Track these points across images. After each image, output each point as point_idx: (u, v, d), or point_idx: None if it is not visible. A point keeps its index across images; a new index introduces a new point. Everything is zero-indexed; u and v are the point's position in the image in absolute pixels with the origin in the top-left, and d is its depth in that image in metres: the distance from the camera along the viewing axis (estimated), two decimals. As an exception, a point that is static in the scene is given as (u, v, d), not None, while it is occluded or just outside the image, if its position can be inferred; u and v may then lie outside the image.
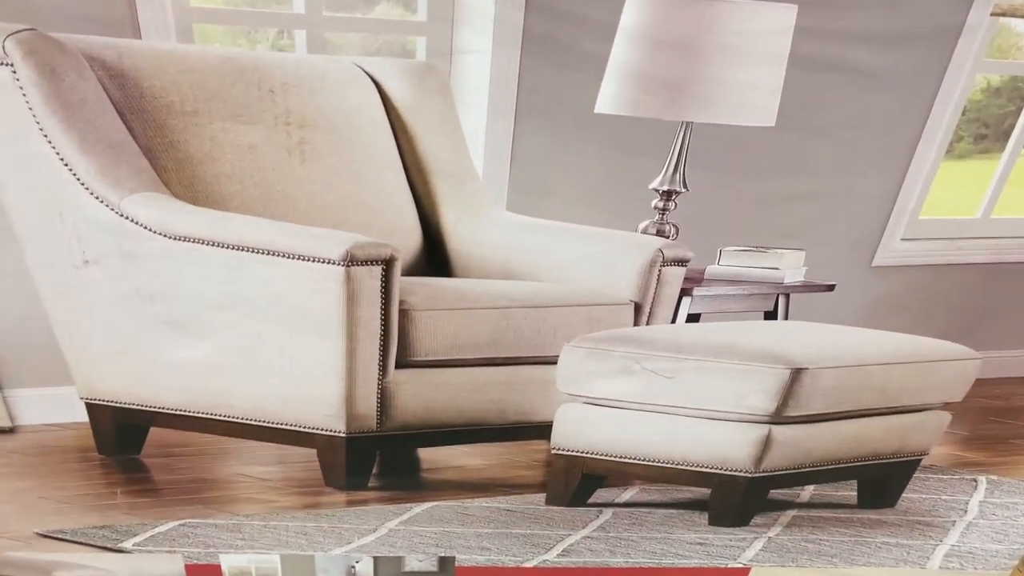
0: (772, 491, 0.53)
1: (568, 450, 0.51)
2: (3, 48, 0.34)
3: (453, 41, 0.41)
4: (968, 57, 0.42)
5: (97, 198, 0.37)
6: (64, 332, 0.43)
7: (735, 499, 0.51)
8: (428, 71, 0.40)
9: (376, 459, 0.51)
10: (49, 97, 0.35)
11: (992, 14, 0.40)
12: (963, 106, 0.43)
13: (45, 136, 0.36)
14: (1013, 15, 0.41)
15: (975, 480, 0.57)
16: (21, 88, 0.35)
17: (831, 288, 0.46)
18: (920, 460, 0.54)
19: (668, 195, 0.43)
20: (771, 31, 0.36)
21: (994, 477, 0.57)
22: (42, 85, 0.35)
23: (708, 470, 0.50)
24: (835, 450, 0.51)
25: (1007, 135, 0.44)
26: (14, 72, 0.35)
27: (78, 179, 0.37)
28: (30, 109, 0.36)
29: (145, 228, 0.38)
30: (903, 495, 0.55)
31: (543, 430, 0.51)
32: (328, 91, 0.39)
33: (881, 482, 0.55)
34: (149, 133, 0.38)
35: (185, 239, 0.39)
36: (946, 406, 0.51)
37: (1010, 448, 0.54)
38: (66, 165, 0.37)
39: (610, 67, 0.38)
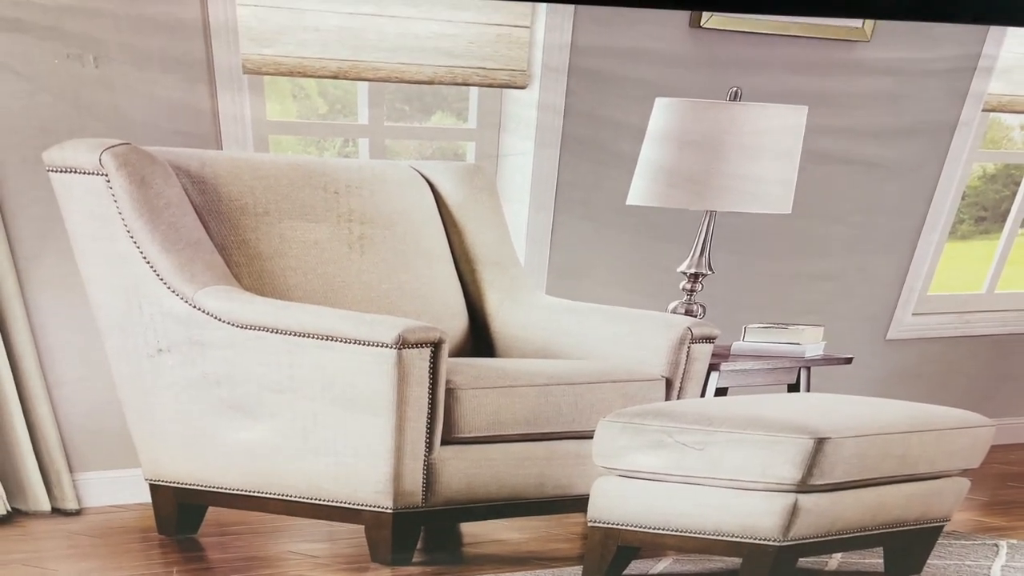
0: (801, 559, 0.53)
1: (604, 522, 0.51)
2: (100, 160, 0.38)
3: (500, 145, 0.44)
4: (964, 148, 0.44)
5: (174, 292, 0.42)
6: (135, 416, 0.46)
7: (765, 568, 0.51)
8: (476, 171, 0.44)
9: (420, 534, 0.52)
10: (137, 203, 0.39)
11: (983, 110, 0.43)
12: (962, 192, 0.46)
13: (131, 237, 0.40)
14: (1002, 110, 0.43)
15: (996, 545, 0.57)
16: (113, 195, 0.39)
17: (849, 361, 0.49)
18: (943, 526, 0.54)
19: (695, 277, 0.47)
20: (784, 129, 0.40)
21: (1014, 542, 0.57)
22: (132, 192, 0.39)
23: (738, 539, 0.51)
24: (860, 517, 0.52)
25: (1004, 217, 0.46)
26: (108, 181, 0.39)
27: (158, 275, 0.42)
28: (119, 214, 0.40)
29: (214, 318, 0.42)
30: (928, 561, 0.55)
31: (580, 503, 0.52)
32: (387, 191, 0.43)
33: (906, 549, 0.56)
34: (224, 232, 0.43)
35: (250, 327, 0.43)
36: (964, 472, 0.52)
37: None
38: (148, 263, 0.41)
39: (640, 164, 0.43)
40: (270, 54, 0.37)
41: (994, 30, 0.40)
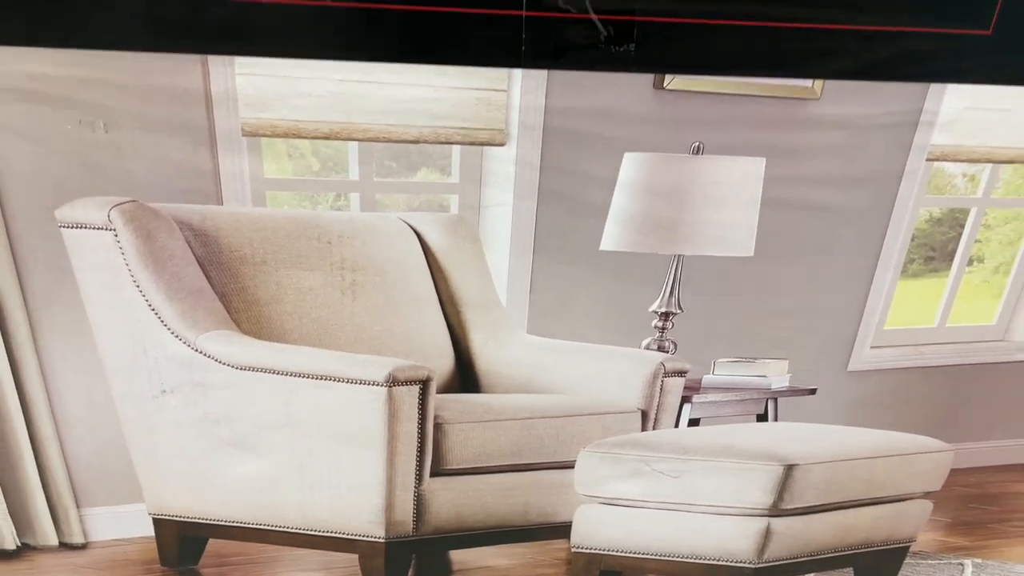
0: None
1: (587, 548, 0.52)
2: (108, 216, 0.40)
3: (481, 197, 0.45)
4: (911, 195, 0.46)
5: (177, 337, 0.44)
6: (139, 454, 0.47)
7: None
8: (460, 222, 0.46)
9: (411, 562, 0.53)
10: (143, 255, 0.42)
11: (927, 159, 0.45)
12: (912, 234, 0.47)
13: (137, 286, 0.42)
14: (944, 159, 0.45)
15: (961, 564, 0.57)
16: (121, 248, 0.41)
17: (813, 392, 0.51)
18: (908, 547, 0.55)
19: (666, 316, 0.49)
20: (744, 180, 0.43)
21: (979, 560, 0.57)
22: (138, 245, 0.41)
23: (715, 562, 0.52)
24: (830, 539, 0.53)
25: (951, 256, 0.48)
26: (116, 236, 0.41)
27: (162, 321, 0.43)
28: (126, 265, 0.42)
29: (215, 360, 0.44)
30: None
31: (564, 530, 0.52)
32: (377, 241, 0.45)
33: (875, 568, 0.56)
34: (225, 280, 0.45)
35: (249, 368, 0.45)
36: (927, 495, 0.53)
37: (990, 532, 0.56)
38: (153, 310, 0.43)
39: (612, 212, 0.45)
40: (267, 118, 0.39)
41: (934, 87, 0.42)
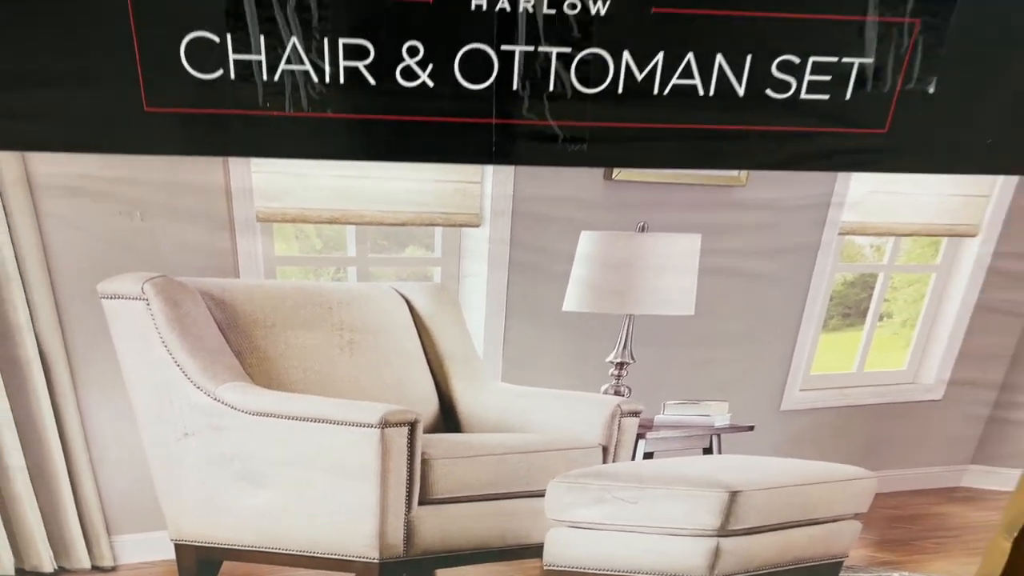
0: None
1: (557, 567, 0.55)
2: (142, 289, 0.45)
3: (460, 269, 0.49)
4: (827, 263, 0.49)
5: (199, 388, 0.47)
6: (163, 488, 0.50)
7: None
8: (442, 289, 0.50)
9: None
10: (170, 320, 0.46)
11: (839, 233, 0.48)
12: (830, 295, 0.50)
13: (165, 346, 0.46)
14: (853, 233, 0.47)
15: None
16: (152, 315, 0.45)
17: (751, 429, 0.55)
18: (842, 562, 0.57)
19: (621, 365, 0.53)
20: (683, 253, 0.47)
21: (905, 573, 0.58)
22: (166, 312, 0.46)
23: None
24: (773, 556, 0.55)
25: (864, 313, 0.51)
26: (148, 305, 0.45)
27: (186, 375, 0.47)
28: (156, 329, 0.46)
29: (231, 408, 0.48)
30: None
31: (537, 550, 0.54)
32: (370, 306, 0.49)
33: None
34: (240, 340, 0.48)
35: (260, 414, 0.48)
36: (856, 516, 0.56)
37: (912, 548, 0.58)
38: (178, 366, 0.47)
39: (572, 280, 0.49)
40: (278, 207, 0.43)
41: (842, 175, 0.45)
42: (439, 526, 0.49)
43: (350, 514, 0.47)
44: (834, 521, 0.53)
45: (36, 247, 0.38)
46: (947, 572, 0.53)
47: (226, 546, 0.48)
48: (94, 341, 0.43)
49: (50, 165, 0.36)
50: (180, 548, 0.48)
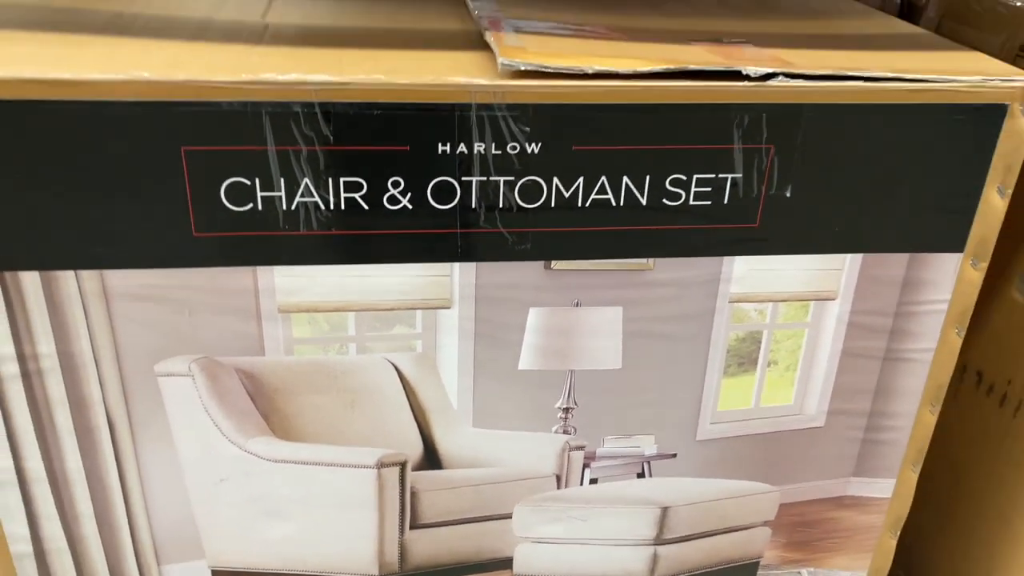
0: None
1: (525, 575, 0.60)
2: (189, 368, 0.50)
3: (436, 341, 0.53)
4: (723, 324, 0.53)
5: (232, 443, 0.52)
6: (203, 524, 0.54)
7: None
8: (424, 356, 0.54)
9: None
10: (210, 391, 0.51)
11: (730, 301, 0.52)
12: (727, 349, 0.55)
13: (206, 411, 0.51)
14: (740, 301, 0.52)
15: (799, 572, 0.64)
16: (196, 388, 0.50)
17: (674, 456, 0.59)
18: (758, 562, 0.63)
19: (567, 410, 0.56)
20: (610, 321, 0.52)
21: (812, 569, 0.64)
22: (208, 385, 0.50)
23: None
24: (701, 560, 0.62)
25: (755, 362, 0.55)
26: (193, 380, 0.50)
27: (222, 433, 0.52)
28: (199, 398, 0.51)
29: (258, 457, 0.53)
30: None
31: (508, 563, 0.59)
32: (368, 373, 0.53)
33: None
34: (265, 404, 0.53)
35: (281, 461, 0.53)
36: (766, 523, 0.61)
37: (814, 548, 0.63)
38: (216, 426, 0.52)
39: (524, 345, 0.53)
40: (295, 301, 0.48)
41: (727, 258, 0.51)
42: (427, 546, 0.53)
43: (354, 539, 0.52)
44: (748, 528, 0.58)
45: (109, 339, 0.46)
46: (845, 567, 0.59)
47: (254, 570, 0.52)
48: (151, 410, 0.48)
49: (121, 279, 0.44)
50: (216, 574, 0.52)
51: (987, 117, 0.45)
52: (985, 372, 0.66)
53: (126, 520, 0.53)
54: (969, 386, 0.67)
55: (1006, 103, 0.43)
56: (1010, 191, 0.47)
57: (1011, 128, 0.45)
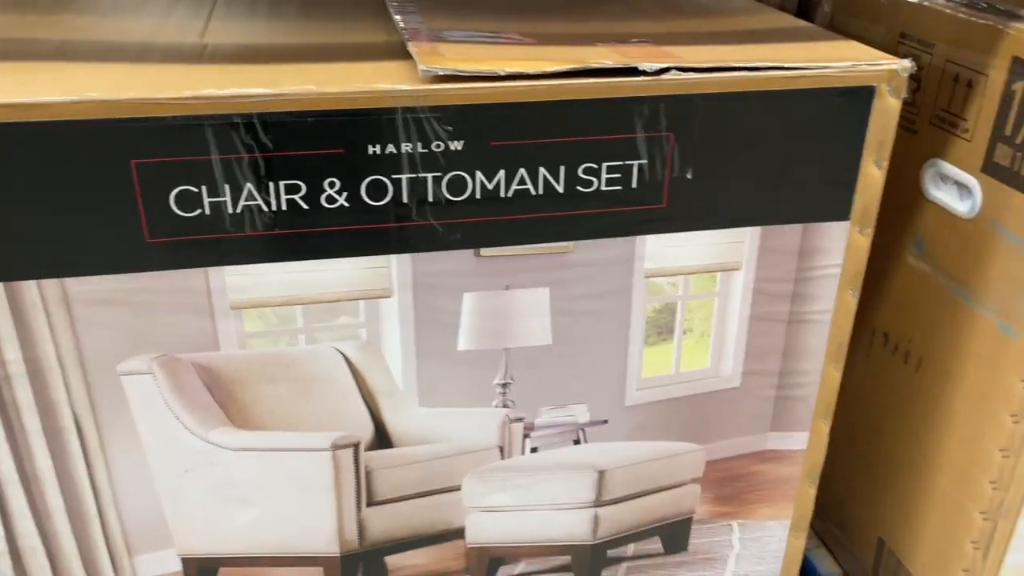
0: (609, 551, 0.65)
1: (477, 543, 0.62)
2: (149, 366, 0.51)
3: (379, 328, 0.54)
4: (640, 298, 0.56)
5: (194, 434, 0.53)
6: (171, 514, 0.54)
7: (586, 558, 0.64)
8: (368, 343, 0.55)
9: (360, 570, 0.59)
10: (171, 387, 0.52)
11: (645, 277, 0.56)
12: (646, 320, 0.58)
13: (168, 406, 0.52)
14: (654, 276, 0.55)
15: (730, 524, 0.67)
16: (157, 384, 0.52)
17: (605, 422, 0.61)
18: (691, 517, 0.65)
19: (504, 385, 0.58)
20: (538, 301, 0.55)
21: (741, 520, 0.66)
22: (167, 381, 0.52)
23: (565, 543, 0.64)
24: (638, 518, 0.64)
25: (672, 331, 0.58)
26: (154, 377, 0.51)
27: (184, 426, 0.53)
28: (161, 394, 0.52)
29: (219, 447, 0.54)
30: (690, 542, 0.67)
31: (460, 533, 0.61)
32: (318, 361, 0.54)
33: (673, 535, 0.66)
34: (223, 396, 0.54)
35: (242, 449, 0.54)
36: (695, 480, 0.64)
37: (741, 500, 0.66)
38: (178, 419, 0.53)
39: (461, 328, 0.55)
40: (245, 298, 0.50)
41: (639, 237, 0.53)
42: (384, 522, 0.54)
43: (315, 520, 0.53)
44: (679, 486, 0.61)
45: (72, 343, 0.49)
46: (771, 516, 0.63)
47: (222, 556, 0.53)
48: (116, 409, 0.49)
49: (81, 286, 0.47)
50: (186, 561, 0.52)
51: (859, 98, 0.51)
52: (891, 333, 0.72)
53: (97, 515, 0.55)
54: (878, 347, 0.74)
55: (874, 85, 0.49)
56: (886, 163, 0.53)
57: (880, 107, 0.51)
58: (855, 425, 0.78)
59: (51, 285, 0.48)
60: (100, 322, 0.50)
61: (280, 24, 0.59)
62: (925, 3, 0.63)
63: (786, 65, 0.50)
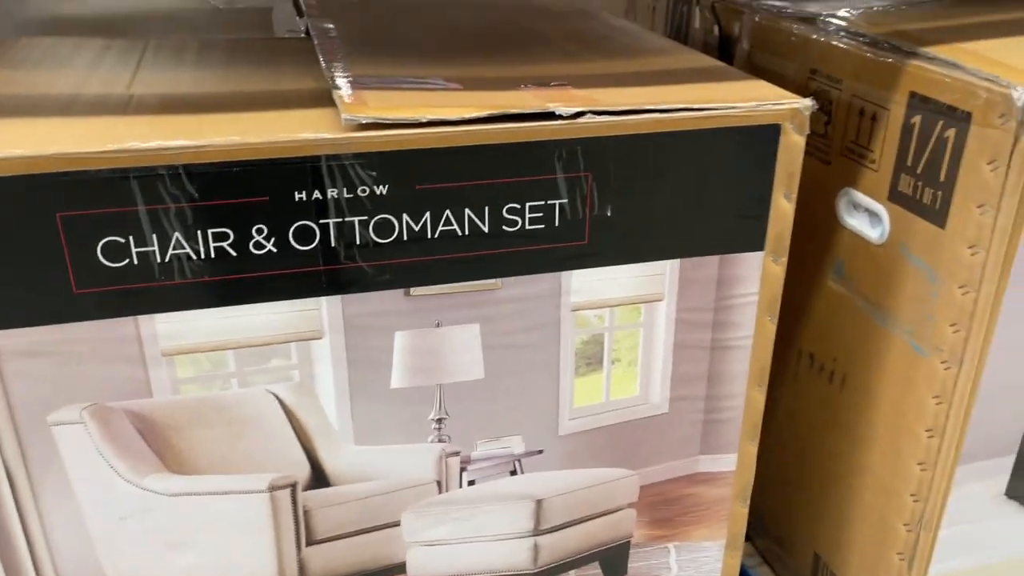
0: None
1: None
2: (80, 415, 0.51)
3: (312, 369, 0.55)
4: (568, 331, 0.57)
5: (128, 481, 0.52)
6: (107, 563, 0.53)
7: None
8: (301, 385, 0.55)
9: None
10: (103, 435, 0.51)
11: (572, 310, 0.57)
12: (575, 351, 0.59)
13: (100, 454, 0.52)
14: (581, 309, 0.57)
15: (667, 547, 0.67)
16: (89, 434, 0.51)
17: (541, 452, 0.61)
18: (628, 541, 0.65)
19: (439, 420, 0.58)
20: (469, 337, 0.55)
21: (677, 543, 0.67)
22: (100, 430, 0.51)
23: (508, 573, 0.63)
24: (579, 544, 0.64)
25: (601, 361, 0.60)
26: (85, 427, 0.51)
27: (118, 473, 0.52)
28: (93, 443, 0.51)
29: (155, 493, 0.53)
30: (629, 566, 0.66)
31: (402, 567, 0.60)
32: (252, 404, 0.54)
33: (612, 560, 0.65)
34: (157, 442, 0.53)
35: (177, 495, 0.53)
36: (631, 505, 0.63)
37: (677, 523, 0.66)
38: (112, 467, 0.52)
39: (394, 366, 0.55)
40: (176, 344, 0.50)
41: (564, 273, 0.55)
42: (325, 560, 0.54)
43: (255, 562, 0.53)
44: (615, 511, 0.61)
45: (1, 396, 0.49)
46: (707, 537, 0.64)
47: None
48: (48, 460, 0.49)
49: (9, 339, 0.47)
50: None
51: (766, 135, 0.53)
52: (816, 354, 0.75)
53: (32, 567, 0.54)
54: (804, 368, 0.76)
55: (779, 123, 0.51)
56: (795, 195, 0.55)
57: (786, 143, 0.53)
58: (788, 443, 0.81)
59: (-23, 338, 0.47)
60: (29, 374, 0.50)
61: (208, 72, 0.60)
62: (832, 42, 0.66)
63: (695, 106, 0.52)
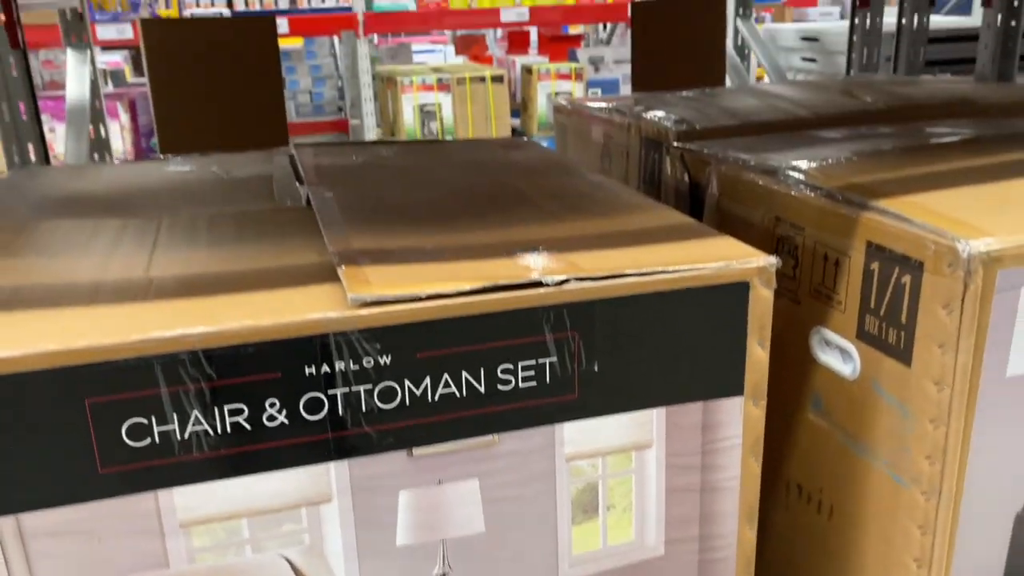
0: None
1: None
2: None
3: (322, 532, 0.56)
4: (564, 480, 0.58)
5: None
6: None
7: None
8: (311, 548, 0.56)
9: None
10: None
11: (566, 460, 0.58)
12: (571, 500, 0.59)
13: None
14: (574, 459, 0.57)
15: None
16: None
17: None
18: None
19: (443, 574, 0.58)
20: (469, 492, 0.56)
21: None
22: None
23: None
24: None
25: (597, 508, 0.60)
26: None
27: None
28: None
29: None
30: None
31: None
32: (264, 571, 0.55)
33: None
34: None
35: None
36: None
37: None
38: None
39: (399, 523, 0.56)
40: (192, 515, 0.51)
41: (556, 425, 0.56)
42: None
43: None
44: None
45: (25, 571, 0.51)
46: None
47: None
48: None
49: (34, 519, 0.49)
50: None
51: (736, 291, 0.57)
52: (803, 485, 0.78)
53: None
54: (793, 498, 0.79)
55: (747, 280, 0.56)
56: (767, 343, 0.60)
57: (756, 297, 0.57)
58: (784, 572, 0.83)
59: (6, 521, 0.50)
60: (54, 552, 0.52)
61: (220, 250, 0.65)
62: (793, 192, 0.73)
63: (670, 269, 0.57)
